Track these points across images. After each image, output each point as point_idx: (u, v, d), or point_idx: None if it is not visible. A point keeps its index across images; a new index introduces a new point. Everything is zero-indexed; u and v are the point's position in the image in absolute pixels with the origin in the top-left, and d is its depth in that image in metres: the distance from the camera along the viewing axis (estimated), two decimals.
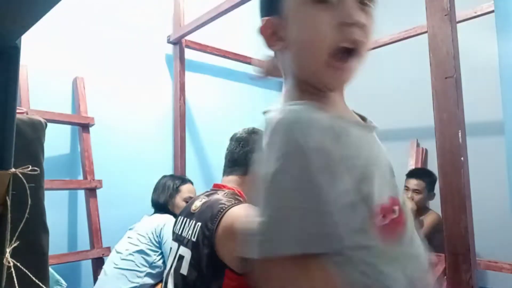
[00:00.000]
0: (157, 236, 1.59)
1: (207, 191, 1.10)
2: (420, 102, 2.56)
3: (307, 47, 0.50)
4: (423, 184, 2.13)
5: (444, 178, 0.92)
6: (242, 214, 0.87)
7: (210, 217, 0.92)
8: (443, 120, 0.92)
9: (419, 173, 2.19)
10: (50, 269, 1.15)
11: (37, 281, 0.52)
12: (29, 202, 0.57)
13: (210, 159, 2.34)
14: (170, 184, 1.80)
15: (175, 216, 1.65)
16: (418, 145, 2.60)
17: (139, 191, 1.99)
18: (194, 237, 0.95)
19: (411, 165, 2.52)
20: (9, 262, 0.49)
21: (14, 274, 0.49)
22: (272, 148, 0.44)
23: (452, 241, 0.90)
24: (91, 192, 1.74)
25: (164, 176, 1.86)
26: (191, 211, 1.05)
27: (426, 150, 2.59)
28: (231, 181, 1.07)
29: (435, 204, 2.50)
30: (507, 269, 1.62)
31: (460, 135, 0.89)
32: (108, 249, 1.72)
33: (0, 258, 0.50)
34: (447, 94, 0.92)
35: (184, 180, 1.86)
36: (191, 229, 0.99)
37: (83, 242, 1.77)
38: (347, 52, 0.50)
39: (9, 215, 0.52)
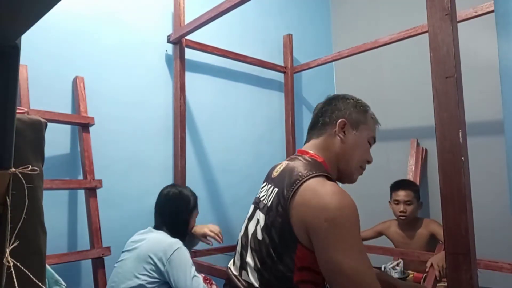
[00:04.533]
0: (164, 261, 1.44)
1: (291, 156, 1.07)
2: (420, 101, 2.57)
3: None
4: (412, 194, 2.14)
5: (444, 178, 0.92)
6: (320, 191, 0.85)
7: (287, 185, 0.90)
8: (443, 119, 0.92)
9: (405, 184, 2.20)
10: (50, 269, 1.15)
11: (37, 281, 0.52)
12: (28, 202, 0.57)
13: (210, 159, 2.34)
14: (191, 199, 1.69)
15: (181, 239, 1.59)
16: (418, 144, 2.60)
17: (139, 191, 1.99)
18: (269, 202, 0.94)
19: (411, 165, 2.52)
20: (9, 262, 0.49)
21: (14, 274, 0.49)
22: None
23: (452, 241, 0.90)
24: (91, 192, 1.74)
25: (179, 186, 1.74)
26: (271, 176, 1.04)
27: (426, 150, 2.59)
28: (310, 146, 1.05)
29: (435, 204, 2.50)
30: (507, 269, 1.62)
31: (460, 135, 0.89)
32: (108, 249, 1.72)
33: (0, 258, 0.50)
34: (447, 93, 0.92)
35: (195, 195, 1.75)
36: (268, 193, 0.98)
37: (83, 242, 1.77)
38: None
39: (9, 215, 0.52)
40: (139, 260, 1.45)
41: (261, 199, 1.02)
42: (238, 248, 1.05)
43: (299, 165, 0.95)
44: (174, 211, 1.66)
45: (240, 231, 1.08)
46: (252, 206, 1.08)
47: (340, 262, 0.80)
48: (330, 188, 0.86)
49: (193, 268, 1.45)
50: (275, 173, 1.03)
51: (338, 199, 0.83)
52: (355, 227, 0.83)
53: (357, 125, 1.05)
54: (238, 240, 1.08)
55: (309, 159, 0.99)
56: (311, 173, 0.90)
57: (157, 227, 1.63)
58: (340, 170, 1.05)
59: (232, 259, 1.09)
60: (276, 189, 0.94)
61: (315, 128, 1.08)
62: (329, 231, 0.81)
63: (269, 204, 0.93)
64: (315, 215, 0.83)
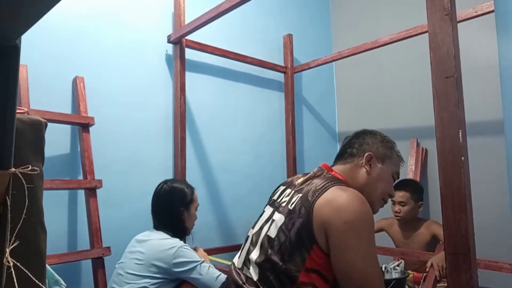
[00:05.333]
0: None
1: (314, 170, 1.12)
2: (420, 101, 2.57)
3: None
4: (408, 195, 2.12)
5: (444, 178, 0.92)
6: (343, 194, 0.91)
7: (312, 191, 0.96)
8: (443, 119, 0.92)
9: (403, 184, 2.17)
10: (50, 269, 1.15)
11: (37, 281, 0.52)
12: (28, 202, 0.57)
13: (210, 159, 2.34)
14: (185, 192, 1.64)
15: (182, 236, 1.61)
16: (418, 144, 2.60)
17: (139, 191, 1.99)
18: (291, 206, 0.99)
19: (411, 165, 2.52)
20: (9, 262, 0.49)
21: (14, 274, 0.49)
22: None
23: (452, 241, 0.90)
24: (91, 192, 1.74)
25: (171, 181, 1.69)
26: (294, 183, 1.09)
27: (426, 150, 2.59)
28: (337, 169, 1.12)
29: (435, 205, 2.50)
30: (507, 269, 1.62)
31: (460, 135, 0.89)
32: (108, 249, 1.72)
33: (0, 258, 0.50)
34: (447, 93, 0.92)
35: (191, 186, 1.71)
36: (290, 197, 1.03)
37: (83, 242, 1.77)
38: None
39: (9, 215, 0.52)
40: (142, 265, 1.46)
41: (281, 203, 1.06)
42: (247, 244, 1.08)
43: (323, 178, 1.02)
44: (167, 209, 1.61)
45: (252, 228, 1.12)
46: (269, 208, 1.12)
47: (353, 265, 0.85)
48: (352, 192, 0.93)
49: (200, 260, 1.46)
50: (297, 181, 1.08)
51: (358, 204, 0.90)
52: (371, 233, 0.89)
53: (383, 159, 1.12)
54: (247, 236, 1.12)
55: (332, 175, 1.06)
56: (333, 183, 0.97)
57: (156, 227, 1.61)
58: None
59: (238, 254, 1.13)
60: (300, 195, 0.99)
61: (341, 158, 1.14)
62: (347, 233, 0.86)
63: (291, 207, 0.98)
64: (335, 216, 0.88)
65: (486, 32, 2.26)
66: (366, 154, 1.10)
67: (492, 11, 1.68)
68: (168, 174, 2.12)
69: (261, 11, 2.71)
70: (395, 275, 1.69)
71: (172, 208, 1.60)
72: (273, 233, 0.98)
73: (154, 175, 2.06)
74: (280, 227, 0.97)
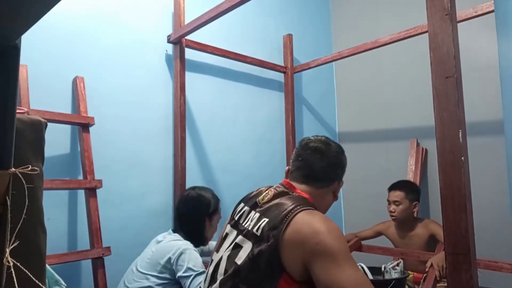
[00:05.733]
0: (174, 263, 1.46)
1: (277, 186, 1.10)
2: (420, 101, 2.57)
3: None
4: (402, 194, 2.13)
5: (444, 178, 0.92)
6: (311, 221, 0.91)
7: (279, 216, 0.94)
8: (443, 119, 0.92)
9: (398, 184, 2.20)
10: (50, 269, 1.15)
11: (37, 281, 0.52)
12: (28, 202, 0.57)
13: (210, 159, 2.34)
14: (211, 202, 1.64)
15: (199, 243, 1.61)
16: (418, 144, 2.60)
17: (139, 191, 1.99)
18: (257, 231, 0.96)
19: (411, 165, 2.52)
20: (8, 262, 0.49)
21: (14, 274, 0.49)
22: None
23: (452, 241, 0.90)
24: (91, 192, 1.74)
25: (200, 189, 1.71)
26: (256, 202, 1.07)
27: (426, 150, 2.59)
28: (303, 189, 1.09)
29: (435, 204, 2.51)
30: (507, 269, 1.62)
31: (460, 135, 0.89)
32: (108, 249, 1.72)
33: (0, 258, 0.50)
34: (447, 93, 0.92)
35: (217, 198, 1.71)
36: (255, 221, 1.00)
37: (83, 242, 1.77)
38: None
39: (9, 215, 0.52)
40: (150, 264, 1.50)
41: (244, 224, 1.04)
42: (211, 268, 1.06)
43: (288, 201, 1.00)
44: (190, 215, 1.63)
45: (217, 252, 1.10)
46: (231, 230, 1.09)
47: (339, 279, 0.84)
48: (318, 216, 0.94)
49: (198, 271, 1.44)
50: (261, 201, 1.05)
51: (325, 225, 0.90)
52: (344, 245, 0.90)
53: (341, 181, 1.17)
54: (212, 260, 1.10)
55: (296, 195, 1.05)
56: (302, 206, 0.95)
57: (174, 229, 1.65)
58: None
59: (204, 278, 1.11)
60: (266, 219, 0.97)
61: (318, 176, 1.10)
62: (321, 252, 0.86)
63: (258, 233, 0.96)
64: (307, 242, 0.88)
65: (486, 32, 2.26)
66: (341, 183, 1.14)
67: (492, 11, 1.68)
68: (168, 174, 2.12)
69: (261, 11, 2.71)
70: (394, 275, 1.69)
71: (195, 216, 1.63)
72: (240, 261, 0.95)
73: (154, 175, 2.06)
74: (248, 255, 0.94)
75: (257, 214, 1.02)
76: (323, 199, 1.11)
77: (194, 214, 1.63)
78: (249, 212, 1.07)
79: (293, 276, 0.89)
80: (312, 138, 1.17)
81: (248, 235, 0.99)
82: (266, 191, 1.09)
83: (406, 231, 2.18)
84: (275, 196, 1.04)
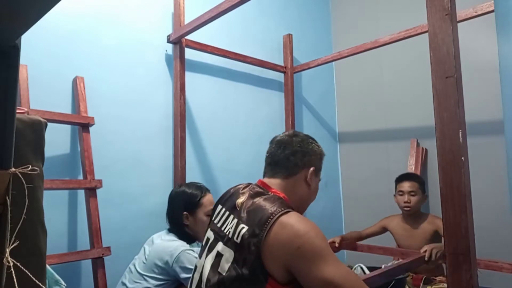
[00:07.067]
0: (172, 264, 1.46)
1: (252, 186, 1.10)
2: (420, 101, 2.57)
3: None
4: (417, 185, 2.12)
5: (444, 178, 0.92)
6: (290, 225, 0.91)
7: (258, 223, 0.93)
8: (443, 119, 0.92)
9: (410, 175, 2.20)
10: (50, 269, 1.15)
11: (37, 281, 0.52)
12: (28, 202, 0.57)
13: (210, 159, 2.34)
14: (190, 197, 1.60)
15: (189, 241, 1.59)
16: (418, 144, 2.60)
17: (139, 191, 1.99)
18: (237, 239, 0.95)
19: (411, 165, 2.52)
20: (9, 262, 0.49)
21: (14, 274, 0.49)
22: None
23: (452, 241, 0.90)
24: (91, 192, 1.74)
25: (184, 185, 1.71)
26: (235, 205, 1.05)
27: (426, 150, 2.59)
28: (275, 184, 1.08)
29: (435, 204, 2.50)
30: (507, 269, 1.62)
31: (460, 135, 0.89)
32: (108, 249, 1.72)
33: (0, 258, 0.50)
34: (447, 93, 0.92)
35: (203, 190, 1.65)
36: (233, 228, 0.99)
37: (83, 242, 1.77)
38: None
39: (9, 215, 0.52)
40: (147, 266, 1.51)
41: (224, 230, 1.03)
42: (197, 276, 1.05)
43: (265, 203, 0.98)
44: (169, 213, 1.67)
45: (200, 258, 1.09)
46: (211, 234, 1.08)
47: (325, 277, 0.85)
48: (294, 218, 0.93)
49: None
50: (238, 204, 1.04)
51: (302, 225, 0.90)
52: (325, 242, 0.91)
53: (318, 172, 1.15)
54: (196, 267, 1.09)
55: (272, 195, 1.03)
56: (280, 210, 0.94)
57: (168, 230, 1.66)
58: (300, 210, 1.11)
59: (189, 285, 1.10)
60: (244, 226, 0.96)
61: (282, 165, 1.10)
62: (304, 255, 0.87)
63: (238, 241, 0.95)
64: (288, 247, 0.88)
65: (486, 32, 2.26)
66: (311, 170, 1.10)
67: (492, 11, 1.68)
68: (168, 174, 2.12)
69: (261, 11, 2.71)
70: None
71: (173, 214, 1.64)
72: (224, 270, 0.95)
73: (154, 175, 2.06)
74: (232, 263, 0.94)
75: (235, 220, 1.01)
76: (295, 189, 1.09)
77: (171, 212, 1.64)
78: (228, 216, 1.06)
79: (278, 280, 0.89)
80: (280, 134, 1.18)
81: (229, 243, 0.98)
82: (243, 191, 1.09)
83: (412, 224, 2.15)
84: (251, 197, 1.03)
